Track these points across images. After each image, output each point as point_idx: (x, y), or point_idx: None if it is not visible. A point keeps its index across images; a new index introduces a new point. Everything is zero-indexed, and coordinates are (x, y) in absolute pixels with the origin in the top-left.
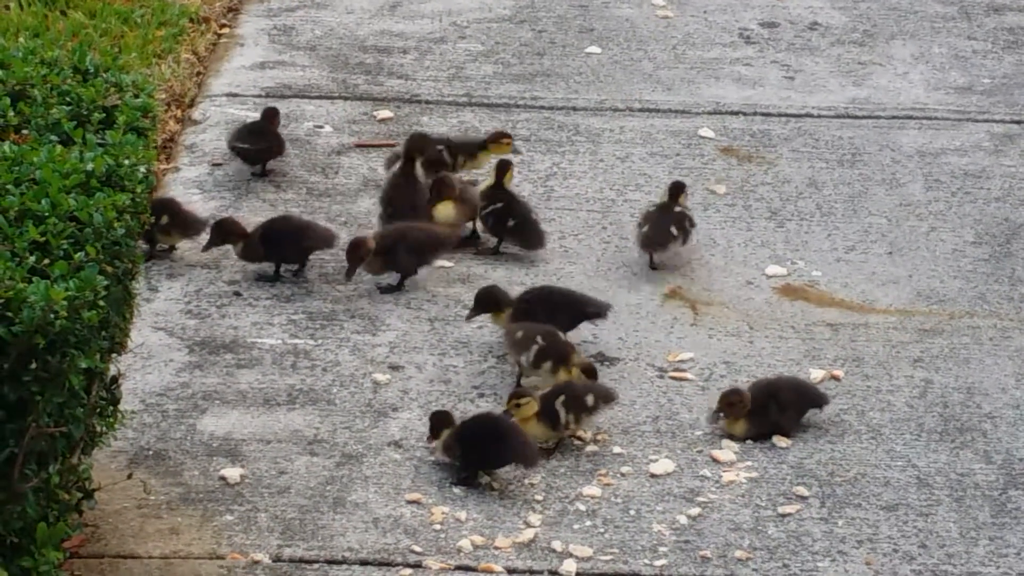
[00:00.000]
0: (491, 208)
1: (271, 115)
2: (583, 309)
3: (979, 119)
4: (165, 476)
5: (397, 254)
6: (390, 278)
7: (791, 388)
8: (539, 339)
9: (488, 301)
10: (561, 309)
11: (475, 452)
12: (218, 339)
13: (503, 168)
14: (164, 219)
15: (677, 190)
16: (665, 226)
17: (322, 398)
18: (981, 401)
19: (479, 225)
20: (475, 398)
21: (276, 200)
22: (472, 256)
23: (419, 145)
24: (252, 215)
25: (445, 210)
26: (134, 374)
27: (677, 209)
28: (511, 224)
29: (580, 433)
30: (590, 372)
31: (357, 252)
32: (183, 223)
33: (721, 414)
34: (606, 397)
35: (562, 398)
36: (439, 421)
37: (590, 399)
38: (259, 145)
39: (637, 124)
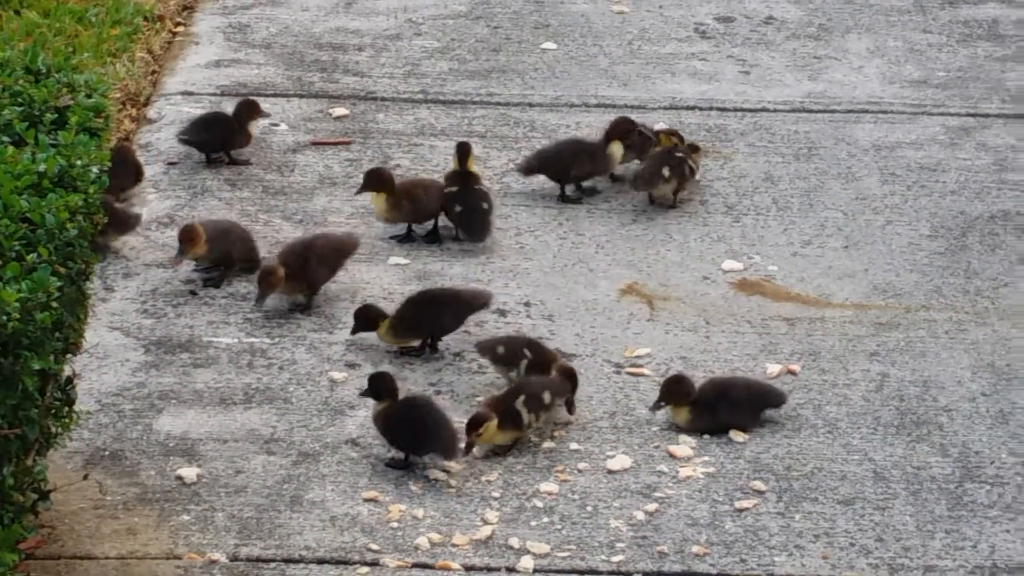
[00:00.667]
0: (447, 190)
1: (238, 109)
2: (469, 303)
3: (934, 112)
4: (121, 476)
5: (308, 268)
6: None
7: (744, 387)
8: (526, 351)
9: (364, 319)
10: (448, 307)
11: (400, 436)
12: (174, 338)
13: (464, 151)
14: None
15: (694, 148)
16: (658, 166)
17: (279, 397)
18: (937, 394)
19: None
20: (431, 395)
21: (232, 199)
22: (428, 254)
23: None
24: (208, 214)
25: (376, 202)
26: (90, 374)
27: (678, 154)
28: (458, 210)
29: (540, 425)
30: (570, 377)
31: (268, 280)
32: (117, 220)
33: (663, 403)
34: (559, 391)
35: (522, 398)
36: (381, 386)
37: (547, 396)
38: (205, 136)
39: (593, 119)
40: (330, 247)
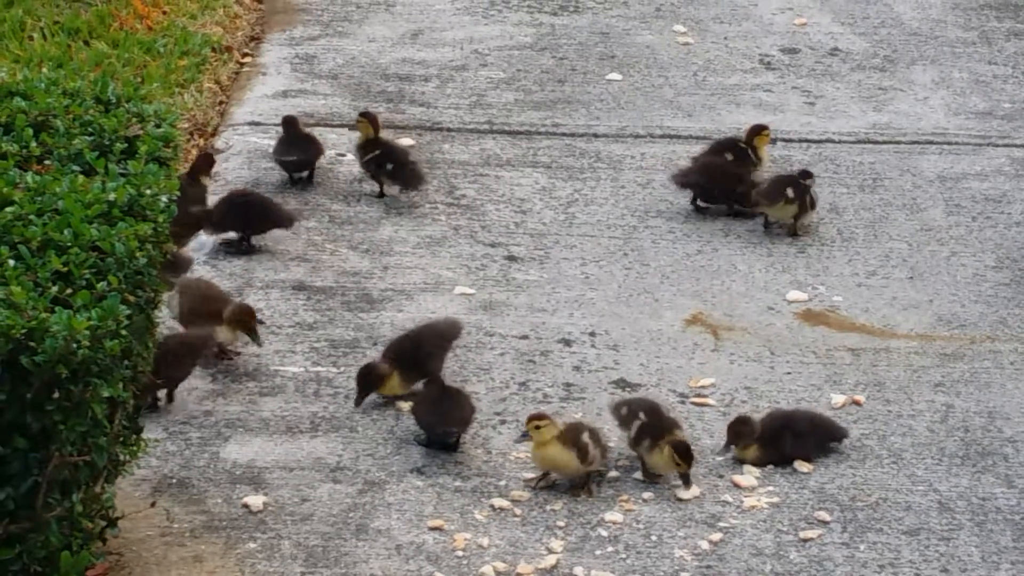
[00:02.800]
0: (370, 156)
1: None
2: (447, 338)
3: (1000, 144)
4: (188, 504)
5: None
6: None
7: (807, 420)
8: (641, 415)
9: (368, 381)
10: (430, 345)
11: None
12: (241, 367)
13: (375, 119)
14: None
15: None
16: (782, 186)
17: (344, 425)
18: (1002, 425)
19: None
20: (497, 424)
21: (298, 228)
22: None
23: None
24: (275, 243)
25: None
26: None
27: (805, 181)
28: (389, 168)
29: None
30: (682, 452)
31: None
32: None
33: (733, 446)
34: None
35: (587, 433)
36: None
37: (601, 437)
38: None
39: (658, 150)
40: (178, 345)
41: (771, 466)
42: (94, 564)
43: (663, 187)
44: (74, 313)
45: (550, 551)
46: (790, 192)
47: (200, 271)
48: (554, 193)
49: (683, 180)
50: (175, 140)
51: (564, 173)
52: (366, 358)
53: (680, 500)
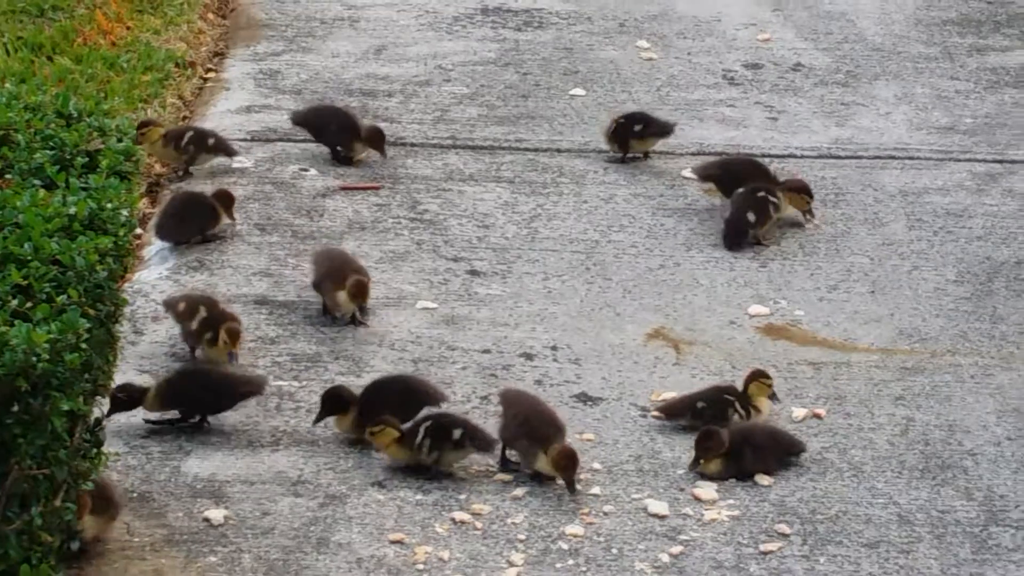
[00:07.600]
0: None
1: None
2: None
3: (961, 159)
4: (149, 518)
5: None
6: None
7: (766, 434)
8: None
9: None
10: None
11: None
12: None
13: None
14: None
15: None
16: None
17: (306, 439)
18: (962, 438)
19: None
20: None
21: (261, 243)
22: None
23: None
24: (237, 258)
25: None
26: (118, 416)
27: (760, 194)
28: (334, 129)
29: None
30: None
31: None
32: None
33: (701, 461)
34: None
35: (428, 424)
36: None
37: (457, 433)
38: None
39: (621, 165)
40: None
41: (732, 479)
42: None
43: (625, 202)
44: (34, 326)
45: (511, 564)
46: (751, 216)
47: (162, 285)
48: (517, 208)
49: (704, 173)
50: (137, 154)
51: (527, 188)
52: (327, 372)
53: (641, 513)
